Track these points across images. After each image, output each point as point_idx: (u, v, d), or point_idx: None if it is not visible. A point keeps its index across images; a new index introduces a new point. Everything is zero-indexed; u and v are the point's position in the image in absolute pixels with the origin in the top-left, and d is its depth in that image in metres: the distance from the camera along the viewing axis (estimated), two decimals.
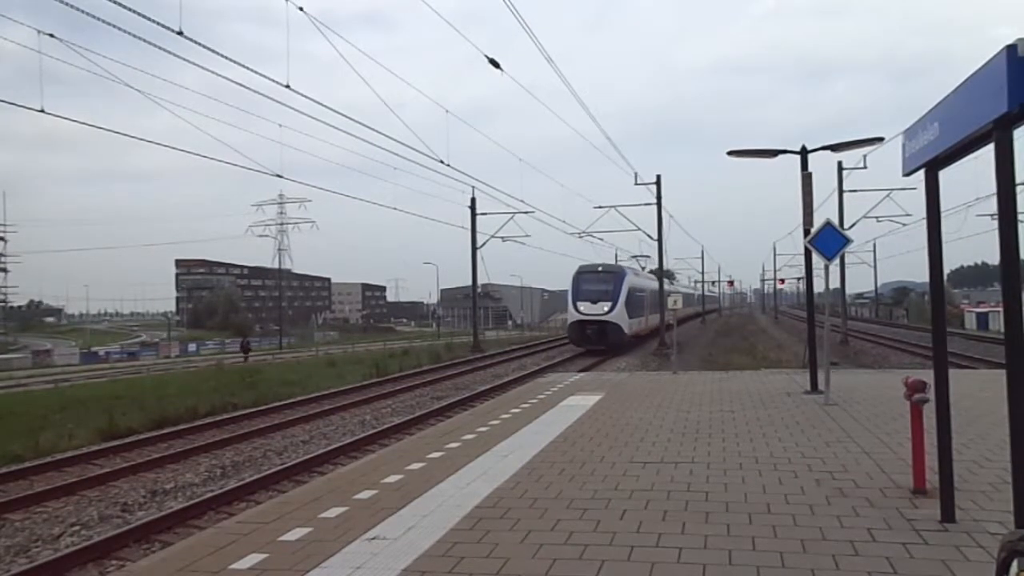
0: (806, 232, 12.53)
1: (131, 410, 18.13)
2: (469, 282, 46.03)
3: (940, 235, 5.17)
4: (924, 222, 5.30)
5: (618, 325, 34.78)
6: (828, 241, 11.30)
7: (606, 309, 34.60)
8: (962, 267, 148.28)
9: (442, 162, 20.28)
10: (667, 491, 6.45)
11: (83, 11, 9.49)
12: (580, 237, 41.90)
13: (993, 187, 3.93)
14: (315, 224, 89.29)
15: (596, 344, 34.21)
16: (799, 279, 76.70)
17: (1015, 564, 2.86)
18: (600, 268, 37.93)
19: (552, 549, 5.03)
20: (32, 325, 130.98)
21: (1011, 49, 3.66)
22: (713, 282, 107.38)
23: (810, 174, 13.34)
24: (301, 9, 11.50)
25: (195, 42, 9.99)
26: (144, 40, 10.44)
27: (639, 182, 36.20)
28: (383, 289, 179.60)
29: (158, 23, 9.41)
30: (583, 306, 35.21)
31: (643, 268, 50.00)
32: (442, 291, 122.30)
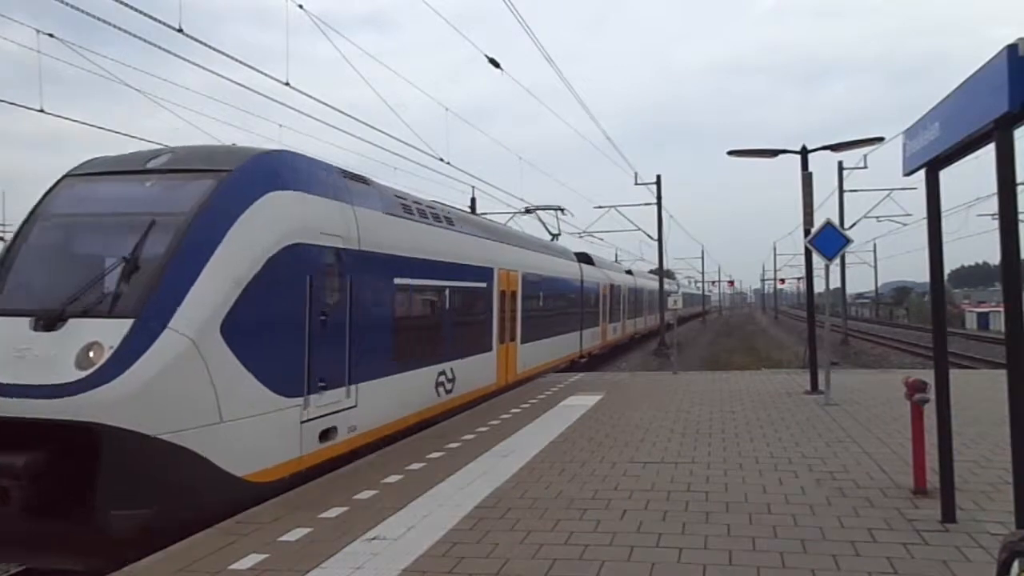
0: (806, 232, 12.54)
1: None
2: None
3: (940, 235, 5.17)
4: (924, 222, 5.31)
5: (143, 437, 5.50)
6: (828, 241, 11.31)
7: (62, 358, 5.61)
8: (962, 267, 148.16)
9: (442, 160, 20.28)
10: (667, 491, 6.45)
11: (83, 11, 9.47)
12: (580, 237, 41.69)
13: (993, 187, 3.93)
14: None
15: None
16: (799, 279, 76.79)
17: (1016, 564, 2.85)
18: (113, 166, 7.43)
19: (552, 549, 5.03)
20: None
21: (1011, 49, 3.67)
22: (713, 282, 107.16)
23: (810, 174, 13.35)
24: (301, 7, 11.46)
25: (195, 40, 9.94)
26: (144, 40, 10.42)
27: (639, 182, 36.07)
28: None
29: (158, 20, 9.37)
30: None
31: (554, 237, 24.44)
32: None
